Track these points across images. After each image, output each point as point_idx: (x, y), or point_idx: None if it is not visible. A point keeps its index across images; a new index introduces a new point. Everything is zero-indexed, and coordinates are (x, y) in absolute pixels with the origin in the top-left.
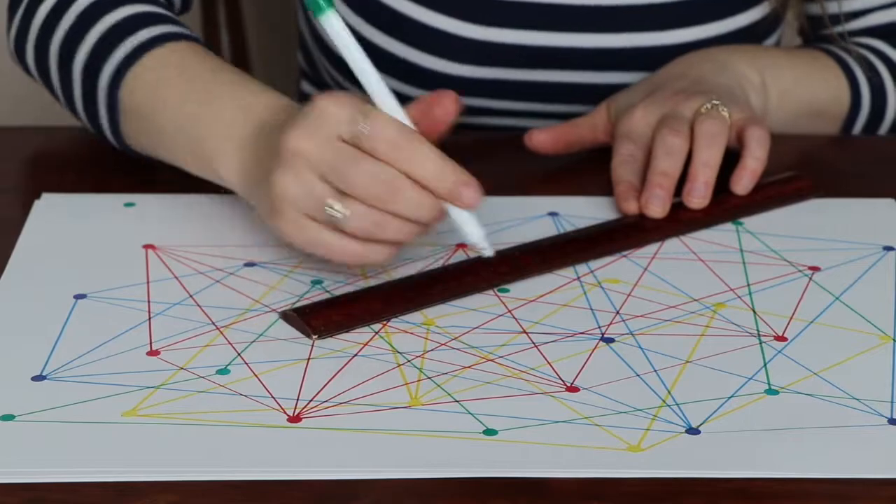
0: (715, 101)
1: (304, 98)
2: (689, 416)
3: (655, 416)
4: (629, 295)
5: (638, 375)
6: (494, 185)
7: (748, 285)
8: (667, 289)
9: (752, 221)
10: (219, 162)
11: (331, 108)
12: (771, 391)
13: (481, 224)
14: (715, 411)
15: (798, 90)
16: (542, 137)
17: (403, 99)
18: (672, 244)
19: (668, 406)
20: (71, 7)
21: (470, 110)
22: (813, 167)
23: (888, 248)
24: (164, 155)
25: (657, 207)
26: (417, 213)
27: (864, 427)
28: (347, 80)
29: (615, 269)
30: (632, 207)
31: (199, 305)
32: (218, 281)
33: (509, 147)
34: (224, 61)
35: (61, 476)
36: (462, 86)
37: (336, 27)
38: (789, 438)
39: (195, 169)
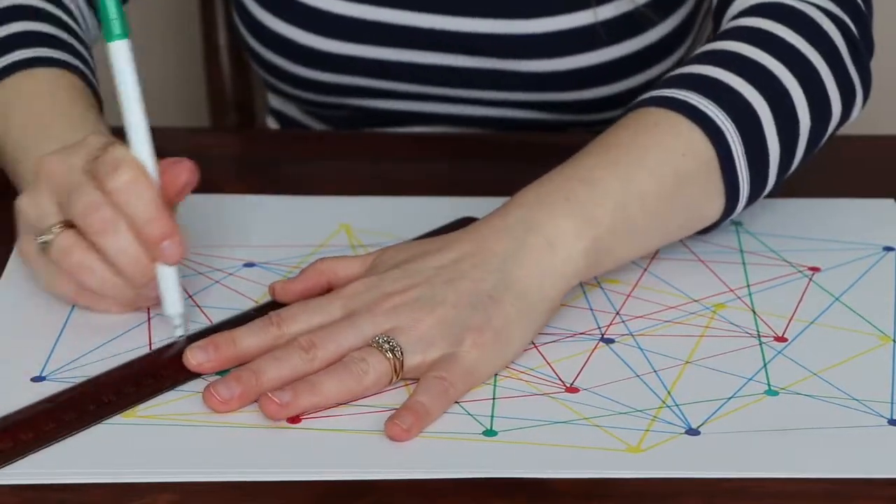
0: (387, 342)
1: (273, 112)
2: (689, 417)
3: (655, 416)
4: (629, 295)
5: (638, 376)
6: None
7: (748, 286)
8: (666, 289)
9: (752, 221)
10: (22, 183)
11: (89, 139)
12: (771, 392)
13: (184, 301)
14: (715, 412)
15: (634, 188)
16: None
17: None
18: (672, 244)
19: (668, 407)
20: None
21: (353, 90)
22: (813, 167)
23: (888, 249)
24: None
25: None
26: (121, 259)
27: (864, 428)
28: (265, 47)
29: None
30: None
31: (198, 306)
32: (218, 281)
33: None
34: (81, 97)
35: (61, 477)
36: (342, 64)
37: (123, 57)
38: (789, 439)
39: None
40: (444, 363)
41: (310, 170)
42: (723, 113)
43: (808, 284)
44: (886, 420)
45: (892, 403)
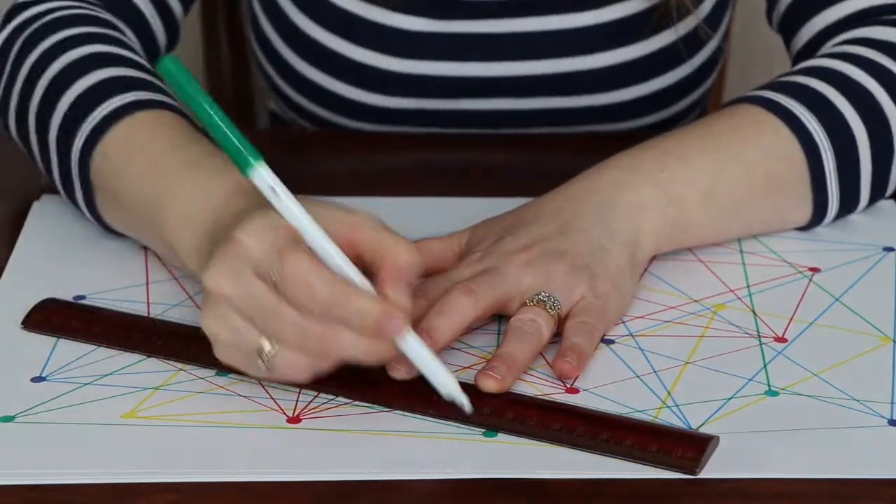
0: (544, 298)
1: (272, 117)
2: (689, 418)
3: (655, 417)
4: None
5: (638, 377)
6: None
7: (748, 286)
8: (666, 290)
9: None
10: (178, 248)
11: (246, 243)
12: (771, 392)
13: (450, 373)
14: (715, 412)
15: (725, 177)
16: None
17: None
18: None
19: (668, 407)
20: (47, 70)
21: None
22: None
23: (888, 249)
24: (134, 234)
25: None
26: (360, 356)
27: (863, 428)
28: (300, 94)
29: None
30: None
31: (198, 307)
32: None
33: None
34: (190, 129)
35: (61, 477)
36: (387, 116)
37: (267, 180)
38: (789, 439)
39: (162, 253)
40: (583, 309)
41: (310, 170)
42: (822, 128)
43: (808, 285)
44: (886, 420)
45: (892, 404)
